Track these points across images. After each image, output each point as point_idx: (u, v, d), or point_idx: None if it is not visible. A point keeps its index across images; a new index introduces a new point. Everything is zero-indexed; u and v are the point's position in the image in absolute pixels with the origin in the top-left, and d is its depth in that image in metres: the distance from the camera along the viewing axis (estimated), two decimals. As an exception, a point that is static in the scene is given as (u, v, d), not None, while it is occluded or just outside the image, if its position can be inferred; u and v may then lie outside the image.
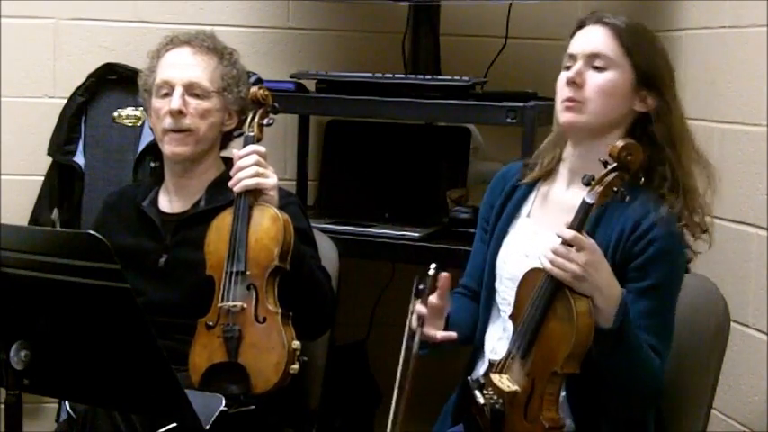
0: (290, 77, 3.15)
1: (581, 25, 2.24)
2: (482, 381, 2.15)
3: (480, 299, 2.35)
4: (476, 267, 2.39)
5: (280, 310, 2.40)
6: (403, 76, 3.09)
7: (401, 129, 3.31)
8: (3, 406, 1.95)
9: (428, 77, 3.02)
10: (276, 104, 2.57)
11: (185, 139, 2.57)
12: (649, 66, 2.19)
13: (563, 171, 2.28)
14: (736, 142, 2.75)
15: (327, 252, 2.72)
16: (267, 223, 2.42)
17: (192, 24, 3.20)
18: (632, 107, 2.20)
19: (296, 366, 2.37)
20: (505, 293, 2.26)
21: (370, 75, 3.05)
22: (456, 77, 2.98)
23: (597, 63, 2.18)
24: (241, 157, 2.45)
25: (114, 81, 3.29)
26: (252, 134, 2.51)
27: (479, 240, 2.40)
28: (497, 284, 2.29)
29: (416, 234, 2.97)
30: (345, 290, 2.80)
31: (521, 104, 2.79)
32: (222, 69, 2.61)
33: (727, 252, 2.77)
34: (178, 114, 2.55)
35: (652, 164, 2.17)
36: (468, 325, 2.34)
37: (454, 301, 2.35)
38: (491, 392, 2.11)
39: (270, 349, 2.37)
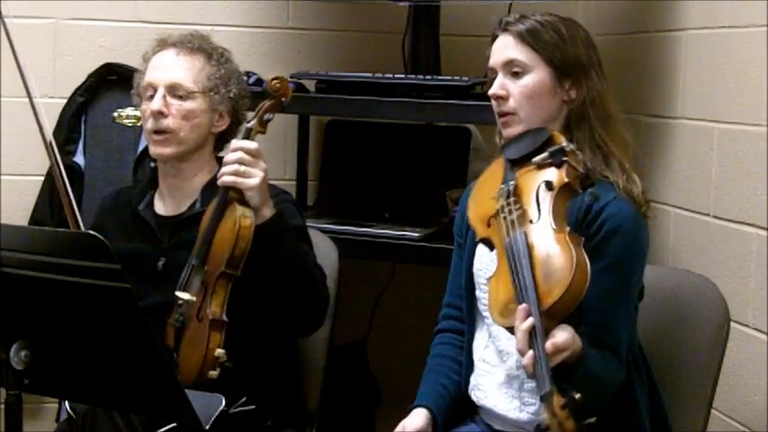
0: (290, 77, 3.14)
1: (494, 37, 2.28)
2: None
3: (464, 311, 2.35)
4: (457, 283, 2.39)
5: (214, 316, 2.37)
6: (403, 76, 3.10)
7: (401, 129, 3.31)
8: (3, 406, 1.95)
9: (428, 77, 3.03)
10: (284, 99, 2.49)
11: (167, 139, 2.55)
12: (561, 57, 2.21)
13: None
14: (736, 142, 2.75)
15: (327, 252, 2.72)
16: (227, 225, 2.39)
17: (192, 24, 3.19)
18: (562, 99, 2.23)
19: (214, 373, 2.35)
20: (485, 299, 2.26)
21: (370, 75, 3.05)
22: (456, 77, 2.98)
23: (514, 69, 2.22)
24: (231, 151, 2.42)
25: (114, 81, 3.29)
26: (250, 126, 2.47)
27: (457, 256, 2.40)
28: (477, 292, 2.29)
29: (416, 234, 2.97)
30: (345, 290, 2.80)
31: (521, 104, 2.79)
32: (209, 70, 2.59)
33: (727, 252, 2.77)
34: (159, 115, 2.54)
35: (591, 148, 2.20)
36: (453, 388, 2.34)
37: (433, 367, 2.36)
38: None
39: (195, 349, 2.36)
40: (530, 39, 2.21)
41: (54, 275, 1.86)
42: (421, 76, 3.04)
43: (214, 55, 2.61)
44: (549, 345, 1.90)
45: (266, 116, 2.47)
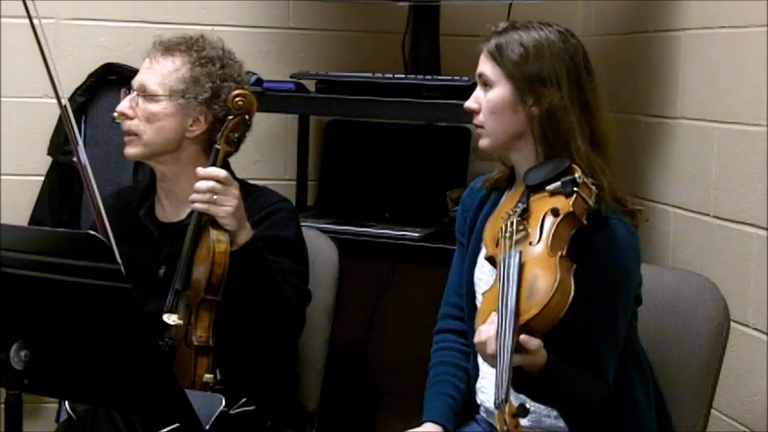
0: (290, 77, 3.15)
1: None
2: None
3: (465, 312, 2.35)
4: (458, 281, 2.37)
5: (200, 342, 2.35)
6: (403, 76, 3.10)
7: (401, 129, 3.31)
8: (3, 406, 1.95)
9: (428, 77, 3.02)
10: (248, 117, 2.40)
11: (132, 141, 2.53)
12: (523, 72, 2.18)
13: (519, 178, 2.27)
14: (735, 142, 2.75)
15: (327, 252, 2.72)
16: (203, 252, 2.37)
17: (192, 24, 3.20)
18: (525, 115, 2.19)
19: None
20: None
21: (370, 75, 3.05)
22: (456, 77, 2.98)
23: (485, 82, 2.23)
24: (200, 178, 2.37)
25: (114, 81, 3.29)
26: (218, 147, 2.41)
27: (458, 254, 2.39)
28: (477, 301, 2.29)
29: (416, 234, 2.97)
30: (345, 290, 2.80)
31: (521, 104, 2.79)
32: (183, 73, 2.50)
33: (727, 252, 2.77)
34: (122, 116, 2.52)
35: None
36: (460, 397, 2.33)
37: (438, 376, 2.35)
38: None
39: (184, 375, 2.33)
40: (495, 52, 2.21)
41: (54, 275, 1.86)
42: (421, 76, 3.04)
43: (199, 59, 2.52)
44: (523, 337, 1.92)
45: (232, 135, 2.41)
